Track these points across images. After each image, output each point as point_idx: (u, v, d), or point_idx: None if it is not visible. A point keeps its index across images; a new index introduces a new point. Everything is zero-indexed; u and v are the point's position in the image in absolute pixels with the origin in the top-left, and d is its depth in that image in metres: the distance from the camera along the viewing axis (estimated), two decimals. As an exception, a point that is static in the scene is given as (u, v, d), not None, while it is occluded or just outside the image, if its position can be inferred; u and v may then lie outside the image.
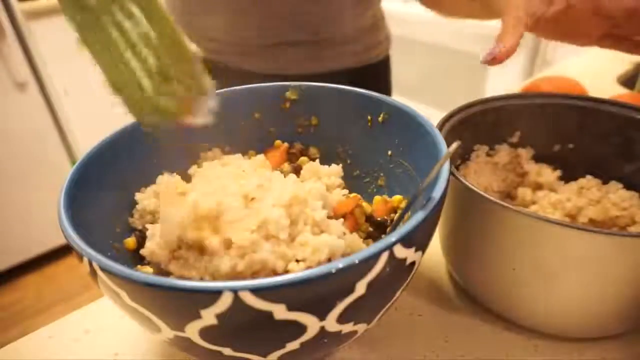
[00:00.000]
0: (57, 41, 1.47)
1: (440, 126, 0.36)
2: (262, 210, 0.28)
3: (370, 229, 0.35)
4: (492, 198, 0.28)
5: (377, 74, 0.72)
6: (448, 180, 0.26)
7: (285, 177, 0.32)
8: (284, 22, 0.59)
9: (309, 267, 0.27)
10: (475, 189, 0.29)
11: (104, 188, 0.31)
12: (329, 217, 0.31)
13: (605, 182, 0.38)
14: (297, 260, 0.28)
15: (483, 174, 0.40)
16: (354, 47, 0.65)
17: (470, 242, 0.33)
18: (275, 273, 0.27)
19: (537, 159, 0.41)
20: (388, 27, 0.72)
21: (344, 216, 0.33)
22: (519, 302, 0.32)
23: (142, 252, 0.29)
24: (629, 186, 0.37)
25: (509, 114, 0.40)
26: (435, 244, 0.38)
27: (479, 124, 0.39)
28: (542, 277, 0.29)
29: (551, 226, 0.26)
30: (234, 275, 0.26)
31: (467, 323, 0.35)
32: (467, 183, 0.30)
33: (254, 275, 0.27)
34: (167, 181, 0.34)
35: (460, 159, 0.40)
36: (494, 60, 0.35)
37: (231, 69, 0.63)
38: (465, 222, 0.33)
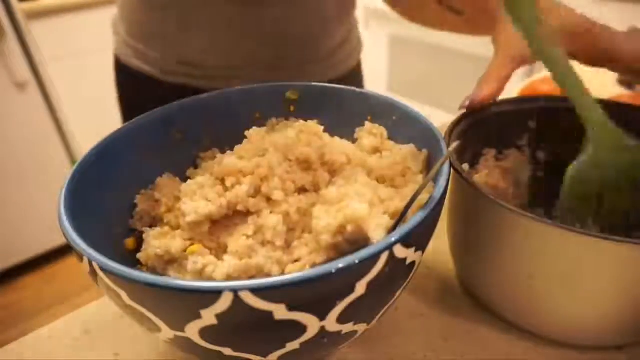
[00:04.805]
0: (57, 41, 1.48)
1: (450, 131, 0.35)
2: (260, 215, 0.28)
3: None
4: (508, 205, 0.27)
5: (357, 78, 0.71)
6: (448, 180, 0.26)
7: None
8: (268, 42, 0.55)
9: (313, 263, 0.27)
10: (491, 196, 0.28)
11: (104, 188, 0.31)
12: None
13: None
14: (295, 261, 0.28)
15: (493, 178, 0.39)
16: (337, 58, 0.63)
17: (482, 248, 0.33)
18: None
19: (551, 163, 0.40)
20: (358, 30, 0.70)
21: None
22: (534, 311, 0.31)
23: (139, 256, 0.30)
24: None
25: (518, 117, 0.39)
26: (443, 245, 0.38)
27: (487, 128, 0.39)
28: (559, 285, 0.29)
29: (568, 233, 0.25)
30: (230, 280, 0.26)
31: (469, 325, 0.35)
32: (481, 189, 0.29)
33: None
34: (166, 184, 0.34)
35: (469, 164, 0.39)
36: (469, 106, 0.36)
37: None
38: (477, 228, 0.32)
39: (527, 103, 0.40)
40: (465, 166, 0.34)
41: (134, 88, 0.61)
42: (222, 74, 0.57)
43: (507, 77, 0.36)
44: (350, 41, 0.65)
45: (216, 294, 0.19)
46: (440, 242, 0.38)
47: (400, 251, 0.22)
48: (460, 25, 0.52)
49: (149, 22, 0.56)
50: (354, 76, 0.69)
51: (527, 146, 0.41)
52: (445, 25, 0.56)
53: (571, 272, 0.28)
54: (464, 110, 0.37)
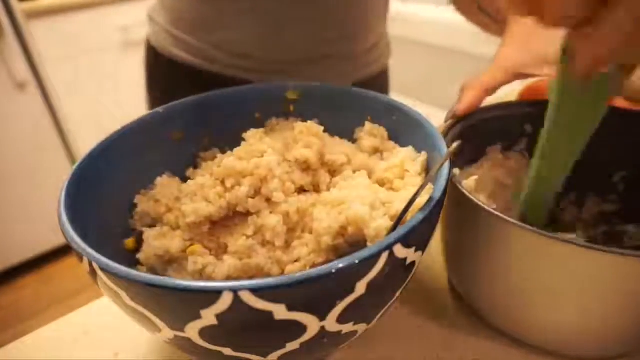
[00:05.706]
0: (57, 41, 1.47)
1: (445, 134, 0.35)
2: (260, 216, 0.28)
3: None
4: (501, 215, 0.27)
5: (384, 81, 0.71)
6: (448, 180, 0.26)
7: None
8: (307, 36, 0.55)
9: (312, 263, 0.27)
10: (481, 204, 0.28)
11: (104, 188, 0.31)
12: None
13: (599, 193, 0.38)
14: (295, 261, 0.28)
15: (489, 183, 0.39)
16: (377, 52, 0.63)
17: (475, 257, 0.32)
18: None
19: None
20: (388, 34, 0.70)
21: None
22: (528, 321, 0.31)
23: (139, 256, 0.29)
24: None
25: (515, 121, 0.39)
26: (437, 250, 0.38)
27: (483, 133, 0.38)
28: (553, 295, 0.28)
29: (560, 243, 0.25)
30: (230, 280, 0.26)
31: (468, 328, 0.35)
32: (473, 198, 0.28)
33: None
34: (166, 184, 0.34)
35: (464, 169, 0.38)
36: (454, 116, 0.36)
37: None
38: (470, 236, 0.32)
39: (524, 107, 0.39)
40: (456, 170, 0.34)
41: (172, 77, 0.61)
42: (264, 67, 0.57)
43: (492, 89, 0.36)
44: (383, 43, 0.65)
45: (216, 294, 0.19)
46: (438, 246, 0.38)
47: (400, 251, 0.22)
48: (499, 30, 0.51)
49: (193, 10, 0.56)
50: (382, 79, 0.69)
51: (526, 150, 0.40)
52: (486, 28, 0.56)
53: (564, 282, 0.27)
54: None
